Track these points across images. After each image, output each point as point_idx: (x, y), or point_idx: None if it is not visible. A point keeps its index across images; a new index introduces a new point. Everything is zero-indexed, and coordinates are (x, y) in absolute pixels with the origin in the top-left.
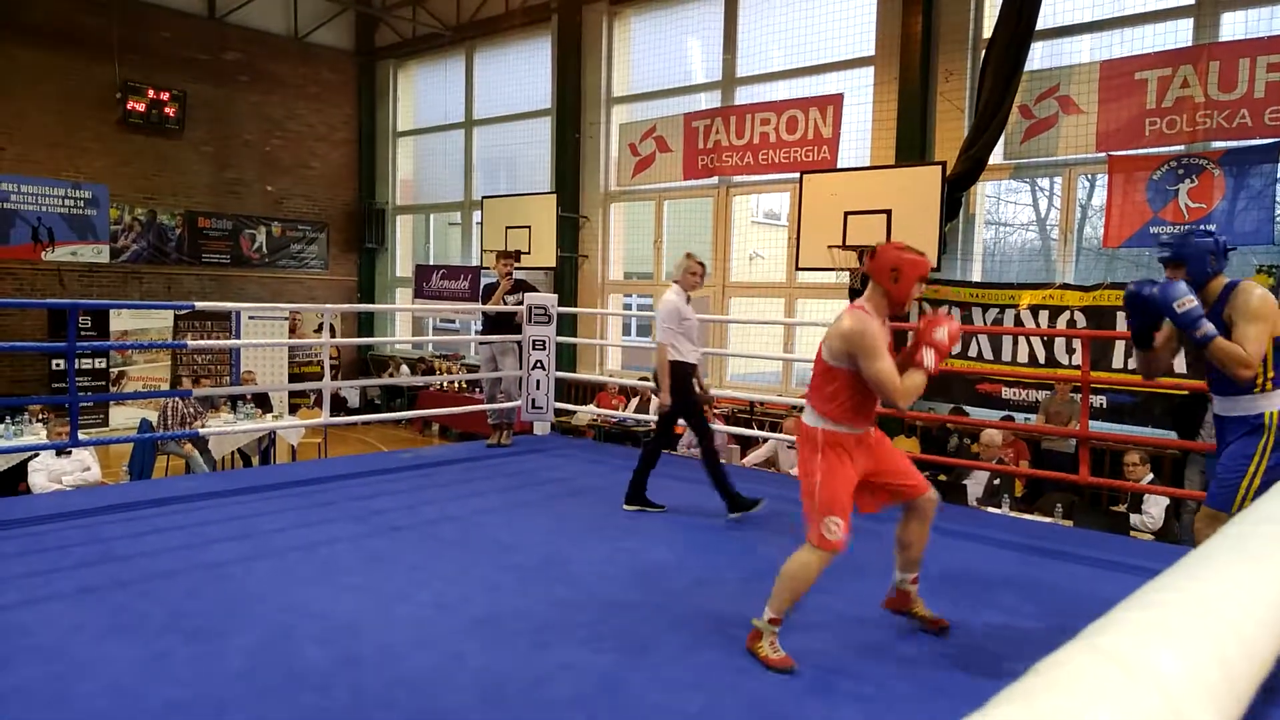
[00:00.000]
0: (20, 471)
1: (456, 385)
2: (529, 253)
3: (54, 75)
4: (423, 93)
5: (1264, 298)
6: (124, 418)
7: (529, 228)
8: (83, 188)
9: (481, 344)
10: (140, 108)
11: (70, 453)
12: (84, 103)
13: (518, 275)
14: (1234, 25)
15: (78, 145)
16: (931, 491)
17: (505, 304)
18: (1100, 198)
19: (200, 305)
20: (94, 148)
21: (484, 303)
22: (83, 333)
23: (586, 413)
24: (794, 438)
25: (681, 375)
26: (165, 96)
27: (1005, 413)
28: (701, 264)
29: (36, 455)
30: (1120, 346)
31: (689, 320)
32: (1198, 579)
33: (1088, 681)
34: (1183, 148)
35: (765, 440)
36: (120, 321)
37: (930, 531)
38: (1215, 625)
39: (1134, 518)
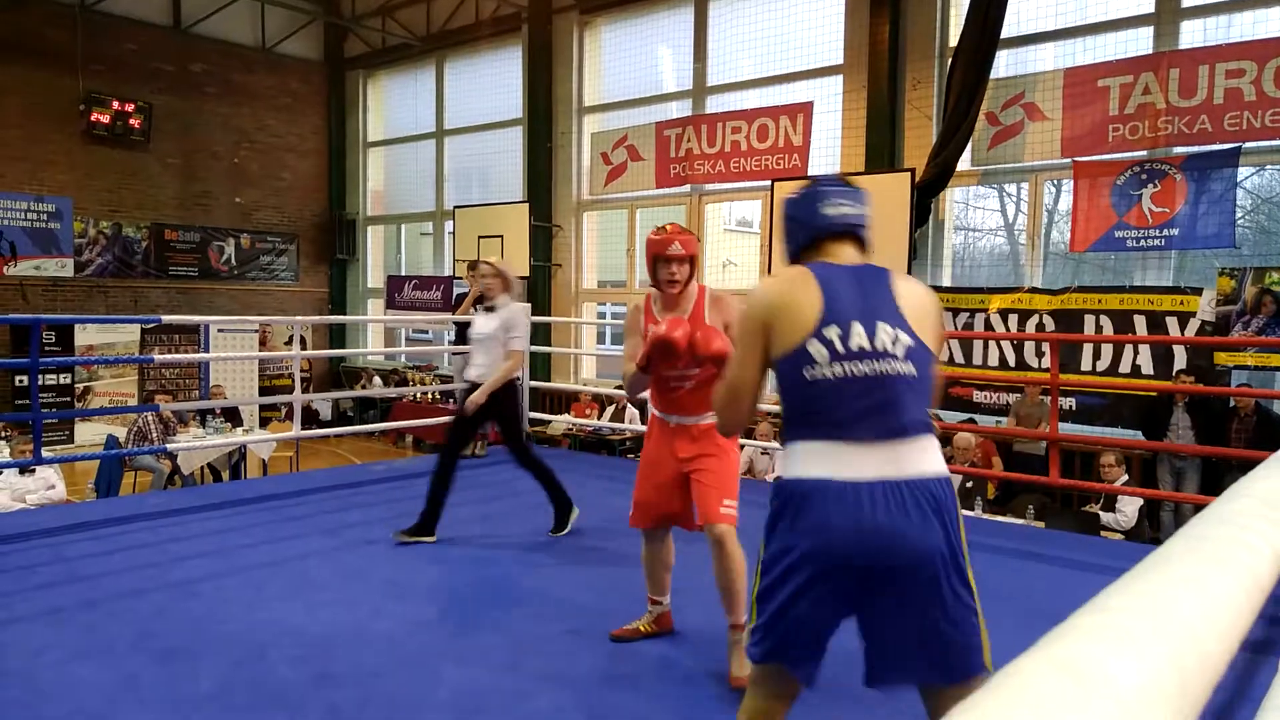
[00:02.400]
0: None
1: (430, 396)
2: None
3: (16, 88)
4: (393, 103)
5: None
6: (90, 434)
7: (501, 237)
8: (46, 201)
9: (454, 354)
10: (105, 120)
11: (34, 471)
12: (47, 115)
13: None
14: (1193, 33)
15: (41, 158)
16: (714, 529)
17: (474, 313)
18: (1066, 203)
19: (167, 319)
20: (58, 161)
21: (455, 313)
22: (46, 348)
23: (562, 422)
24: (766, 444)
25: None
26: (130, 108)
27: (967, 415)
28: (488, 264)
29: (0, 473)
30: (1089, 349)
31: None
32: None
33: (1042, 693)
34: (1145, 153)
35: (741, 448)
36: (85, 336)
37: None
38: (1172, 631)
39: (1105, 516)
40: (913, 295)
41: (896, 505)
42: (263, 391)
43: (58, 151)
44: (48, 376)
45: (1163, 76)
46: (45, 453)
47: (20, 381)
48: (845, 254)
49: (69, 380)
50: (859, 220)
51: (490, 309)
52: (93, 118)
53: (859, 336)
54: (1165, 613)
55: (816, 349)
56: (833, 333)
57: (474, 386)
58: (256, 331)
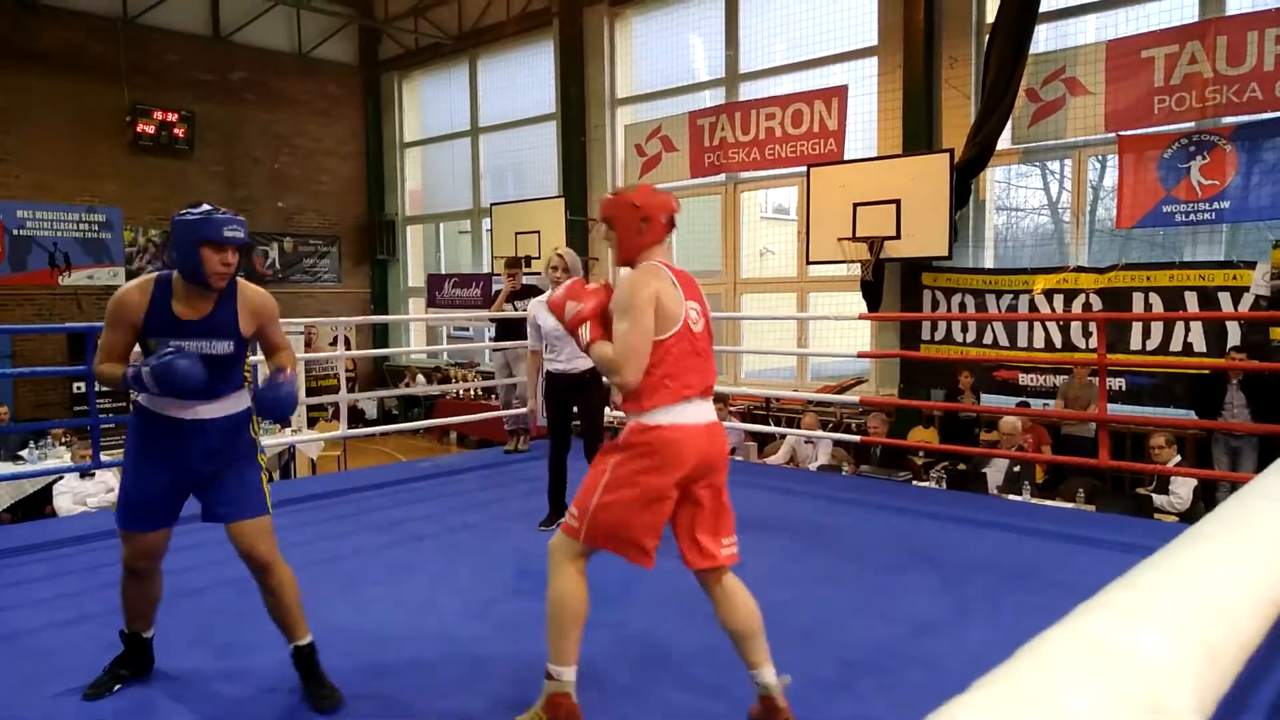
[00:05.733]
0: (46, 495)
1: (472, 393)
2: (538, 257)
3: (65, 102)
4: (428, 103)
5: None
6: None
7: (538, 233)
8: (97, 211)
9: (495, 351)
10: (150, 130)
11: (94, 475)
12: (95, 127)
13: (527, 281)
14: None
15: (91, 170)
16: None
17: (515, 309)
18: (1111, 178)
19: None
20: (107, 171)
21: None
22: None
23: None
24: (812, 432)
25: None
26: (174, 118)
27: (1020, 399)
28: (560, 257)
29: (61, 478)
30: (1138, 328)
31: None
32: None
33: (1066, 664)
34: (1193, 124)
35: (783, 437)
36: None
37: (943, 525)
38: (1201, 605)
39: (1159, 499)
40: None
41: None
42: (309, 392)
43: (106, 162)
44: None
45: (1209, 44)
46: (103, 456)
47: (78, 388)
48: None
49: None
50: None
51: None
52: (138, 128)
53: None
54: (1195, 589)
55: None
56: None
57: (566, 375)
58: (302, 333)
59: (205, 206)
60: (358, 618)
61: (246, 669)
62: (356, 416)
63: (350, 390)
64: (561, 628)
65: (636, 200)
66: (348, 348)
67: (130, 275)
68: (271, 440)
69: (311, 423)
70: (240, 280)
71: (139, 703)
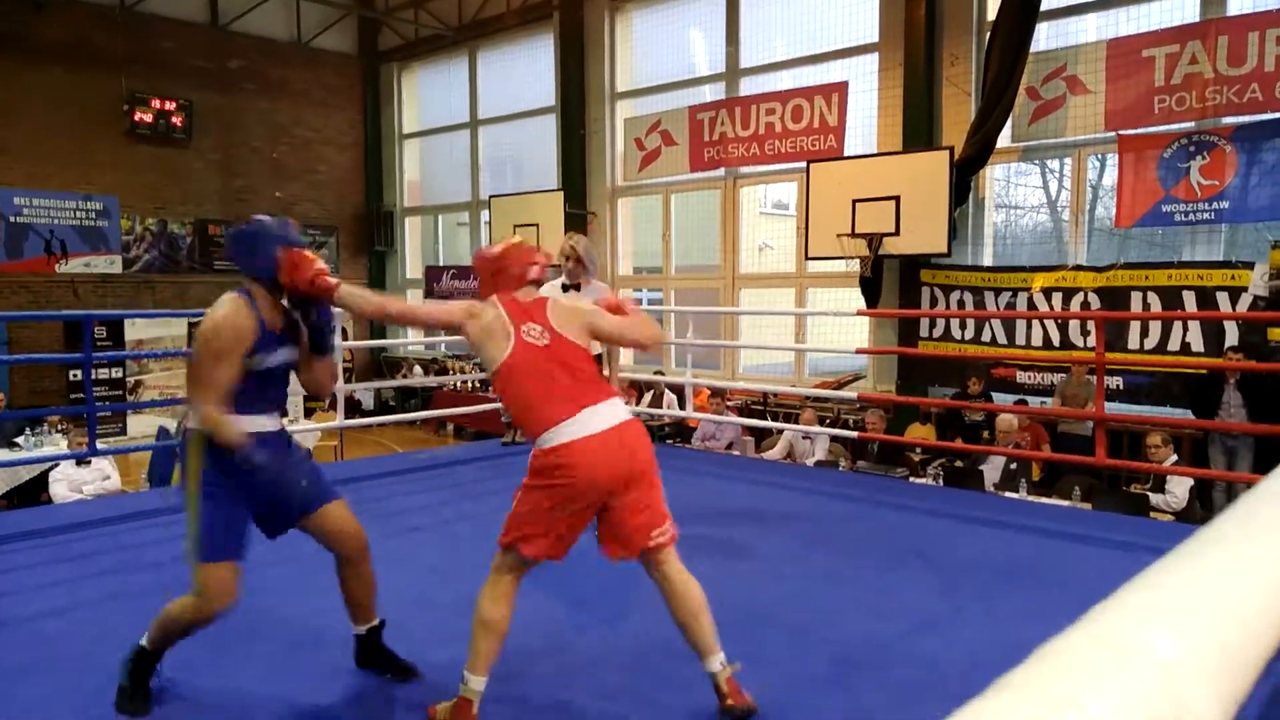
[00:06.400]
0: (42, 482)
1: (470, 385)
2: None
3: (62, 90)
4: (427, 94)
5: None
6: (142, 426)
7: (537, 225)
8: (94, 199)
9: None
10: (148, 119)
11: (90, 462)
12: (93, 116)
13: None
14: None
15: (88, 158)
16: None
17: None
18: (1111, 177)
19: None
20: (104, 160)
21: None
22: (98, 343)
23: None
24: (810, 428)
25: None
26: (172, 106)
27: (1018, 397)
28: (573, 247)
29: (57, 465)
30: (1136, 327)
31: None
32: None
33: (1083, 666)
34: (1193, 124)
35: (780, 432)
36: (135, 331)
37: (940, 522)
38: (1217, 607)
39: (1155, 498)
40: None
41: None
42: None
43: (104, 151)
44: (100, 371)
45: (1210, 45)
46: (100, 444)
47: (74, 376)
48: None
49: (121, 374)
50: None
51: (570, 288)
52: (136, 117)
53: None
54: (1212, 589)
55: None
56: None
57: None
58: None
59: (262, 216)
60: None
61: (247, 656)
62: (353, 407)
63: (348, 380)
64: (475, 637)
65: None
66: (345, 338)
67: (128, 264)
68: None
69: (309, 413)
70: None
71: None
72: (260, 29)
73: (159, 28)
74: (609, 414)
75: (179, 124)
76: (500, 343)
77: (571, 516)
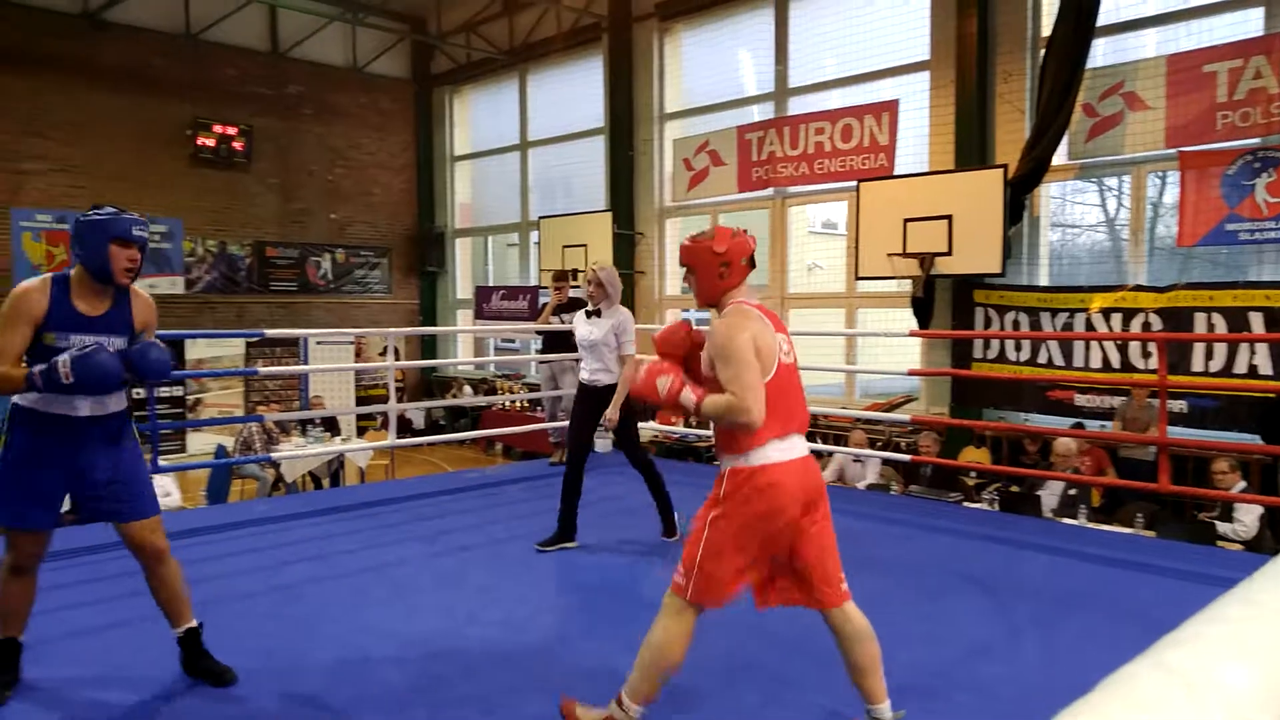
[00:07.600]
0: None
1: (518, 405)
2: (584, 271)
3: (129, 115)
4: (478, 117)
5: None
6: (201, 444)
7: (585, 246)
8: (159, 222)
9: (541, 363)
10: (210, 144)
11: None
12: (157, 141)
13: (574, 294)
14: None
15: (152, 182)
16: (843, 610)
17: (560, 322)
18: (1172, 195)
19: (270, 333)
20: (168, 183)
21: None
22: None
23: (647, 429)
24: (861, 450)
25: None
26: (233, 131)
27: (1076, 420)
28: (596, 274)
29: None
30: (1200, 349)
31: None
32: (1274, 591)
33: (1151, 699)
34: (1258, 140)
35: (831, 455)
36: (196, 350)
37: (996, 548)
38: None
39: (1222, 526)
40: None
41: None
42: (359, 401)
43: (167, 174)
44: (162, 389)
45: (1275, 59)
46: (161, 461)
47: (138, 394)
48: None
49: (181, 393)
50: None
51: (593, 314)
52: (199, 141)
53: None
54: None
55: None
56: None
57: (589, 387)
58: (352, 343)
59: (110, 208)
60: (405, 624)
61: (299, 672)
62: (404, 426)
63: (399, 400)
64: (649, 673)
65: (716, 246)
66: (397, 358)
67: (189, 285)
68: (322, 449)
69: (361, 431)
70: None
71: (191, 709)
72: (318, 55)
73: (221, 55)
74: (804, 442)
75: (240, 148)
76: (766, 364)
77: (766, 550)
